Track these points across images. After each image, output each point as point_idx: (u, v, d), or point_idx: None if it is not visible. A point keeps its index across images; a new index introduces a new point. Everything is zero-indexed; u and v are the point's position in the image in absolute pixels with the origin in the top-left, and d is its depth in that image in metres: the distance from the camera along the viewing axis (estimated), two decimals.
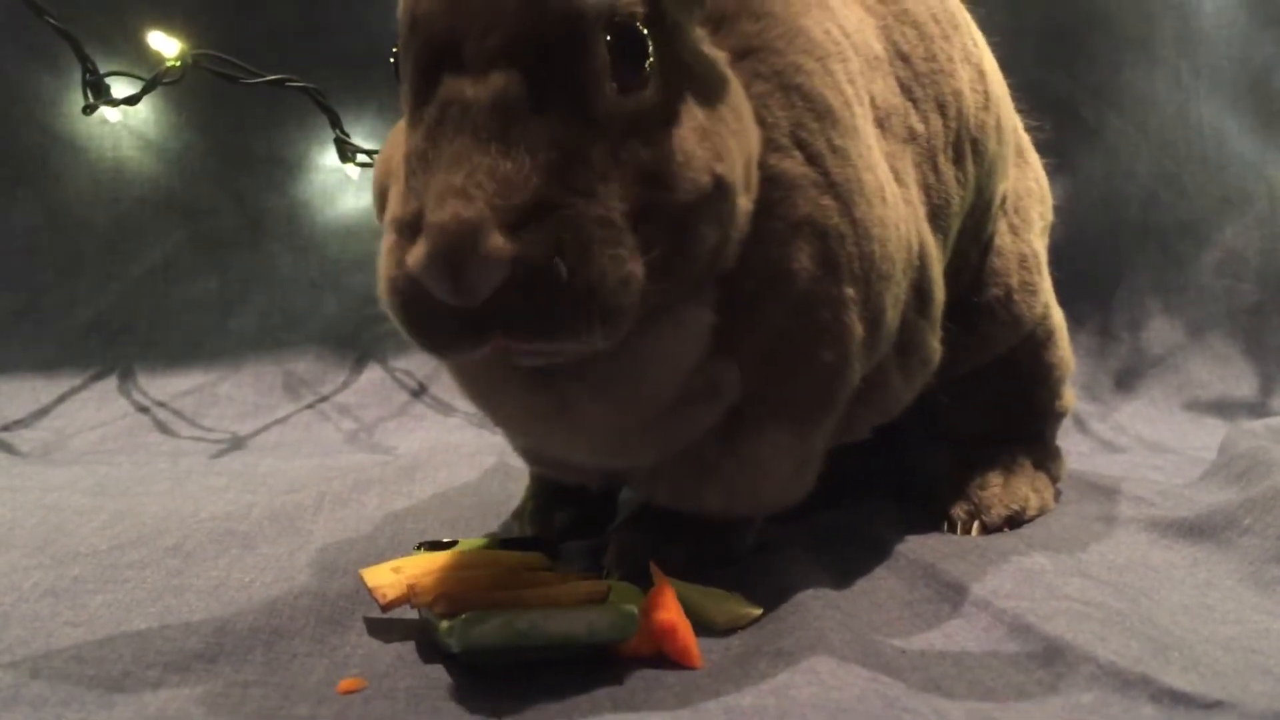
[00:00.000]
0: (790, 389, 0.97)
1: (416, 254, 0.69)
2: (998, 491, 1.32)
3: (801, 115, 0.93)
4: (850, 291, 0.96)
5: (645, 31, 0.78)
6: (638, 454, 0.96)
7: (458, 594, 0.83)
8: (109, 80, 2.13)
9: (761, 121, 0.91)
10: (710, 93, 0.85)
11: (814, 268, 0.93)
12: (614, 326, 0.76)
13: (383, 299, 0.76)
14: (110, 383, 2.15)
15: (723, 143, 0.82)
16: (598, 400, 0.87)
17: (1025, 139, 1.45)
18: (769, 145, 0.91)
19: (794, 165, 0.92)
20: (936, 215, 1.13)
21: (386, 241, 0.76)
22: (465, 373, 0.95)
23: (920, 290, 1.09)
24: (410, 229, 0.72)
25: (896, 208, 1.02)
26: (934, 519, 1.30)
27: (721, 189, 0.81)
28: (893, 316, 1.03)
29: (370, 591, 0.90)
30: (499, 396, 0.93)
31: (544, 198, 0.71)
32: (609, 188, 0.75)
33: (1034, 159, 1.46)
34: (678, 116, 0.80)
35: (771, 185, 0.91)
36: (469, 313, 0.70)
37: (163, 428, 2.02)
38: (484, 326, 0.71)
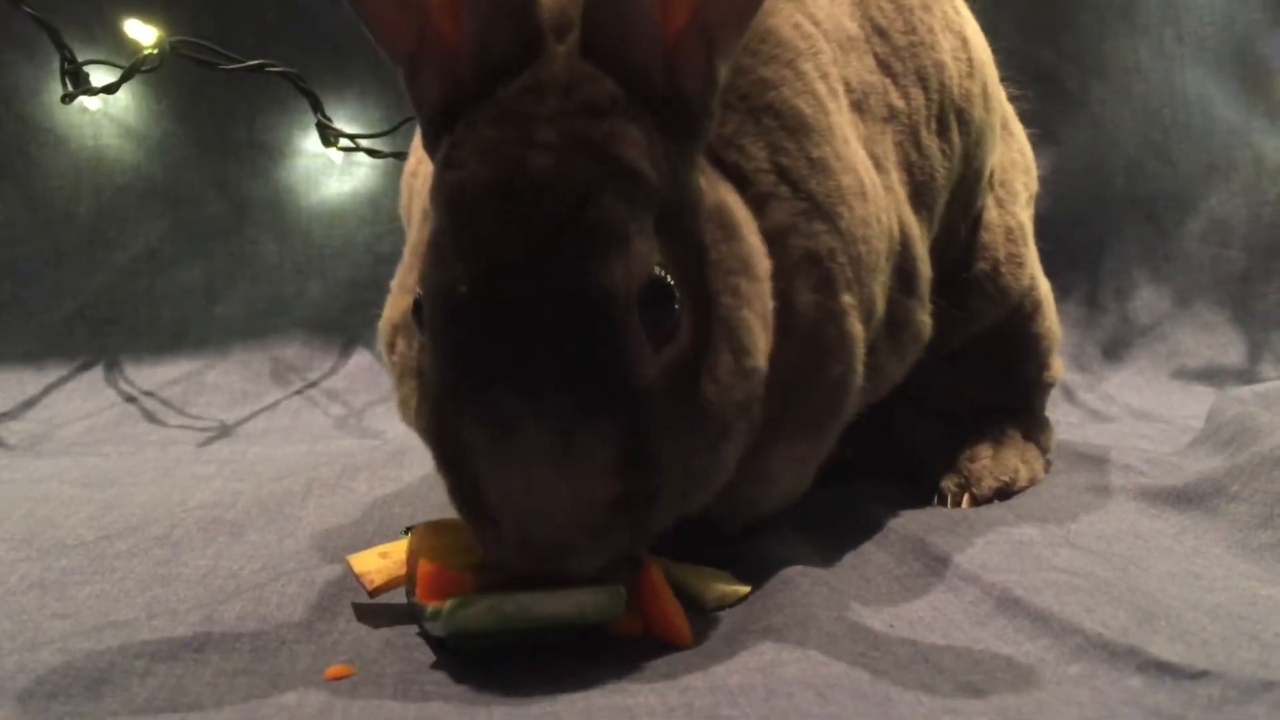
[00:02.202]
0: (801, 404, 0.97)
1: (507, 542, 0.75)
2: (987, 463, 1.32)
3: (776, 137, 0.94)
4: (848, 299, 0.97)
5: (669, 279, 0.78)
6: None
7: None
8: (88, 69, 2.12)
9: (741, 168, 0.92)
10: (724, 272, 0.84)
11: (814, 294, 0.94)
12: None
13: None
14: (97, 373, 2.14)
15: (751, 338, 0.84)
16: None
17: (1009, 110, 1.44)
18: (756, 198, 0.92)
19: (783, 207, 0.93)
20: (920, 192, 1.12)
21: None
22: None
23: (904, 271, 1.09)
24: (490, 522, 0.76)
25: (876, 199, 1.02)
26: (923, 492, 1.30)
27: (754, 380, 0.84)
28: (881, 303, 1.04)
29: (357, 578, 0.90)
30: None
31: (618, 493, 0.75)
32: (663, 449, 0.78)
33: (1018, 130, 1.45)
34: (709, 347, 0.81)
35: (769, 231, 0.91)
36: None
37: (150, 417, 2.01)
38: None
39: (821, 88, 0.98)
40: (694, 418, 0.80)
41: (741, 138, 0.93)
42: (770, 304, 0.88)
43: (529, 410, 0.72)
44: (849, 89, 1.04)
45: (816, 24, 1.01)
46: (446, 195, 0.76)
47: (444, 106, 0.80)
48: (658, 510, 0.79)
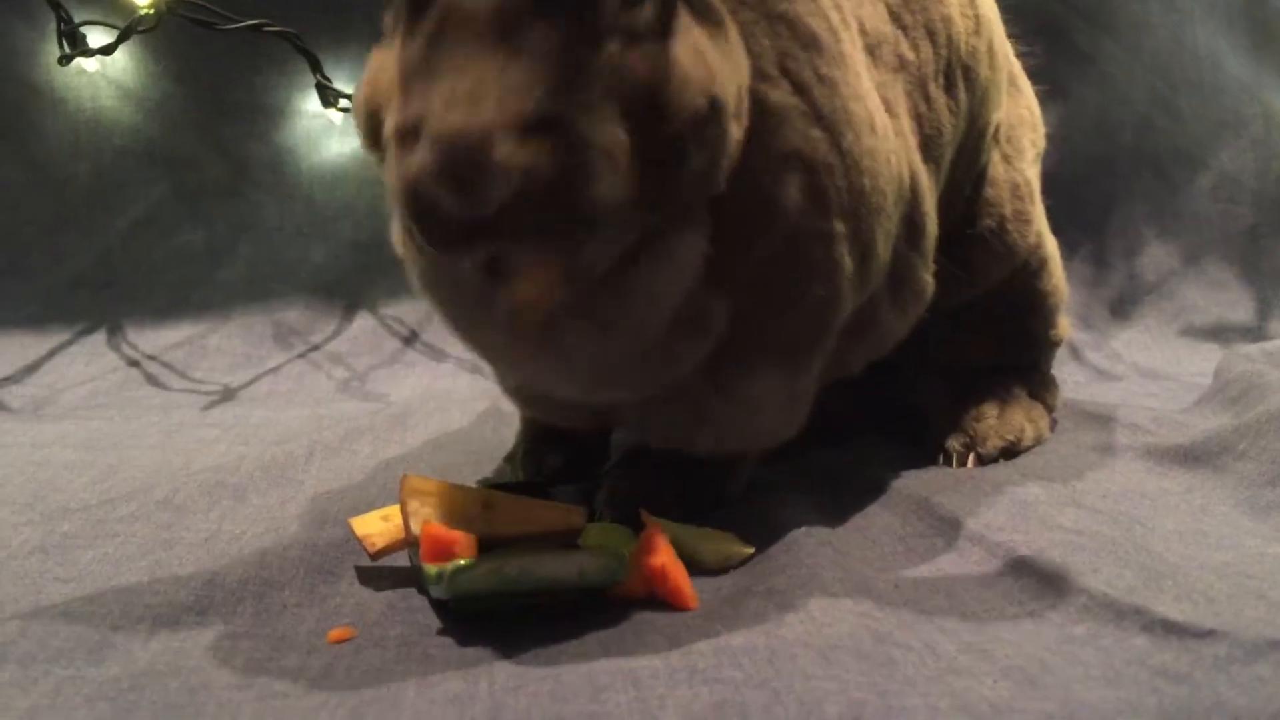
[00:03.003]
0: (780, 325, 0.96)
1: (420, 162, 0.68)
2: (993, 423, 1.31)
3: (787, 44, 0.91)
4: (840, 226, 0.94)
5: None
6: (625, 388, 0.93)
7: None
8: (84, 30, 2.10)
9: (748, 50, 0.88)
10: (703, 13, 0.82)
11: (803, 201, 0.91)
12: (609, 247, 0.76)
13: (391, 205, 0.75)
14: (99, 337, 2.14)
15: (717, 64, 0.80)
16: (587, 330, 0.84)
17: (1017, 66, 1.42)
18: (757, 74, 0.89)
19: (782, 95, 0.90)
20: (928, 145, 1.11)
21: (390, 152, 0.73)
22: (454, 306, 0.90)
23: (912, 222, 1.08)
24: (412, 135, 0.70)
25: (887, 139, 1.00)
26: (928, 453, 1.30)
27: (715, 111, 0.79)
28: (884, 250, 1.02)
29: (359, 540, 0.90)
30: (487, 329, 0.88)
31: (548, 110, 0.69)
32: (608, 105, 0.73)
33: (1026, 86, 1.44)
34: (674, 35, 0.78)
35: (760, 115, 0.88)
36: (457, 225, 0.69)
37: (153, 381, 2.01)
38: (489, 233, 0.70)
39: (835, 16, 0.96)
40: (642, 100, 0.75)
41: (753, 27, 0.90)
42: (744, 80, 0.85)
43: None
44: (863, 31, 1.03)
45: None
46: None
47: None
48: (590, 173, 0.71)
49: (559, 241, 0.72)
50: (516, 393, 1.13)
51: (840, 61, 0.95)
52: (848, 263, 0.96)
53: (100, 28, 2.11)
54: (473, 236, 0.70)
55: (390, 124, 0.74)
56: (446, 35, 0.70)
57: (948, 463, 1.27)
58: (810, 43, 0.92)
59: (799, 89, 0.91)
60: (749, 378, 0.96)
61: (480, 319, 0.86)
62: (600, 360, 0.87)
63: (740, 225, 0.89)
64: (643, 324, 0.86)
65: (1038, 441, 1.35)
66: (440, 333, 2.20)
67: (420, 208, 0.68)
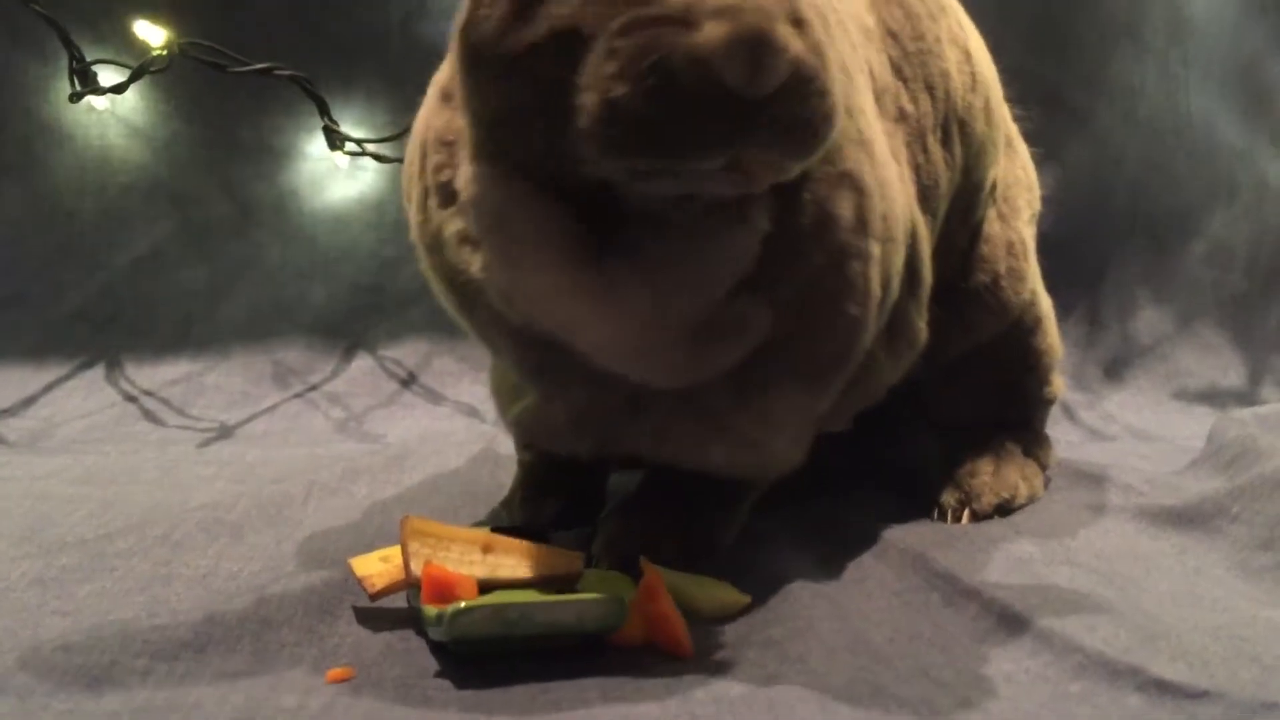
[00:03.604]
0: (811, 343, 0.97)
1: (711, 34, 0.68)
2: (988, 479, 1.32)
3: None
4: (875, 249, 0.97)
5: None
6: (660, 367, 0.91)
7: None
8: (96, 68, 2.12)
9: None
10: None
11: (852, 219, 0.94)
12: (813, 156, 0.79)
13: (612, 100, 0.72)
14: (98, 371, 2.14)
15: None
16: (645, 284, 0.85)
17: (1013, 128, 1.44)
18: None
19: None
20: (926, 196, 1.13)
21: (629, 39, 0.71)
22: (502, 247, 0.89)
23: (911, 269, 1.10)
24: (680, 20, 0.70)
25: (895, 182, 1.02)
26: (923, 507, 1.30)
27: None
28: (895, 285, 1.04)
29: (359, 580, 0.90)
30: (540, 272, 0.88)
31: (801, 11, 0.72)
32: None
33: (1022, 148, 1.46)
34: None
35: None
36: (730, 110, 0.70)
37: (150, 417, 2.01)
38: (742, 125, 0.71)
39: (857, 55, 0.99)
40: None
41: None
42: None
43: None
44: (872, 76, 1.05)
45: (836, 9, 1.01)
46: None
47: None
48: (830, 77, 0.75)
49: (807, 137, 0.74)
50: (518, 424, 1.13)
51: (864, 93, 0.98)
52: (877, 288, 0.97)
53: (111, 66, 2.14)
54: (719, 133, 0.71)
55: (633, 15, 0.72)
56: None
57: (942, 518, 1.28)
58: (844, 70, 0.94)
59: (848, 112, 0.93)
60: (773, 393, 0.97)
61: (534, 263, 0.86)
62: (651, 319, 0.86)
63: (795, 235, 0.90)
64: (701, 289, 0.86)
65: (1032, 499, 1.36)
66: (438, 375, 2.21)
67: (708, 83, 0.69)
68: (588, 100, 0.73)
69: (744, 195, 0.83)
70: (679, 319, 0.87)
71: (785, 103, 0.70)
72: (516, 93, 0.80)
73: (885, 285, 1.00)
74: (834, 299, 0.95)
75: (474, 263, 0.93)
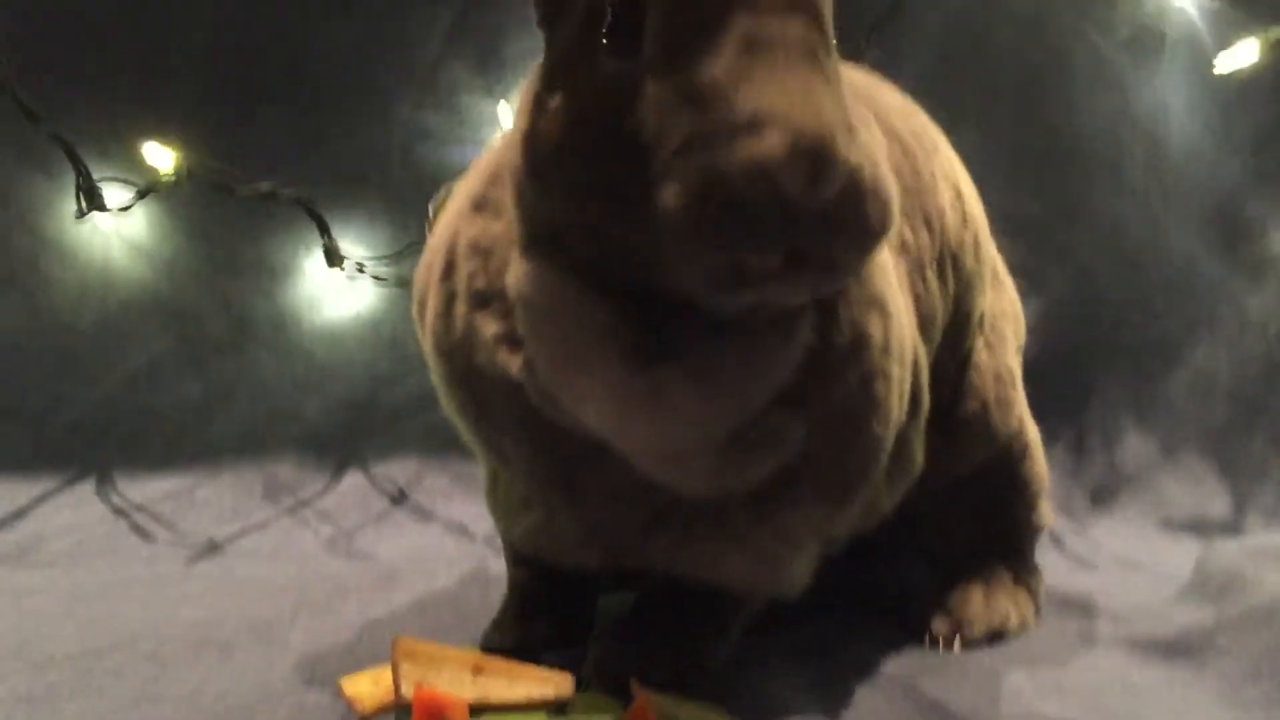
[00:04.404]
0: (837, 460, 0.98)
1: (773, 144, 0.70)
2: (978, 607, 1.32)
3: None
4: (898, 371, 1.00)
5: None
6: (693, 477, 0.92)
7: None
8: (102, 186, 2.17)
9: None
10: None
11: (882, 341, 0.97)
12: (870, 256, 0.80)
13: (682, 205, 0.74)
14: (88, 485, 2.14)
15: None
16: (694, 390, 0.85)
17: (999, 261, 1.49)
18: None
19: None
20: (924, 326, 1.16)
21: (694, 158, 0.73)
22: (554, 343, 0.90)
23: (914, 395, 1.11)
24: (745, 130, 0.72)
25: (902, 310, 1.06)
26: (914, 633, 1.30)
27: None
28: (901, 410, 1.06)
29: (348, 701, 0.90)
30: (591, 370, 0.88)
31: (852, 125, 0.75)
32: None
33: (1007, 281, 1.50)
34: None
35: None
36: (789, 213, 0.71)
37: (139, 531, 2.00)
38: (801, 225, 0.72)
39: None
40: None
41: None
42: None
43: (779, 22, 0.74)
44: None
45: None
46: None
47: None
48: (882, 189, 0.77)
49: (863, 238, 0.76)
50: (525, 537, 1.13)
51: None
52: (895, 412, 1.00)
53: (118, 184, 2.18)
54: (801, 224, 0.72)
55: (692, 128, 0.74)
56: (760, 51, 0.74)
57: (934, 645, 1.28)
58: None
59: None
60: (794, 509, 0.98)
61: (586, 363, 0.88)
62: (697, 425, 0.87)
63: (834, 353, 0.93)
64: (747, 399, 0.88)
65: (1022, 627, 1.36)
66: (429, 492, 2.22)
67: (766, 190, 0.70)
68: (664, 198, 0.75)
69: (795, 308, 0.86)
70: (723, 427, 0.88)
71: (843, 207, 0.73)
72: (582, 198, 0.83)
73: (899, 408, 1.03)
74: (862, 418, 0.97)
75: (512, 363, 0.94)
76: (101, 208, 2.15)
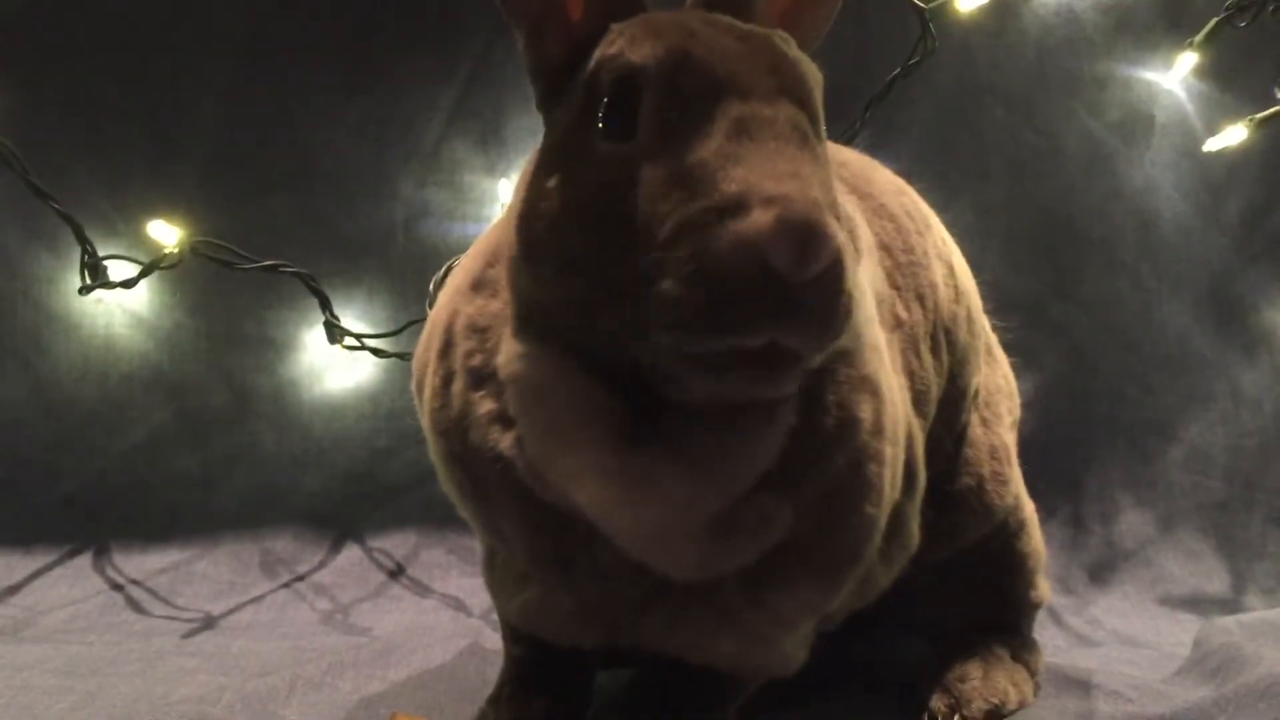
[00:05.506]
0: (828, 542, 0.98)
1: (760, 221, 0.72)
2: (977, 684, 1.32)
3: None
4: (889, 450, 1.00)
5: None
6: (680, 559, 0.92)
7: None
8: (107, 263, 2.19)
9: None
10: None
11: (872, 422, 0.97)
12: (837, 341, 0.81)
13: (675, 293, 0.75)
14: (85, 559, 2.13)
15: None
16: (680, 473, 0.86)
17: (993, 338, 1.50)
18: None
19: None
20: (919, 401, 1.17)
21: (685, 242, 0.75)
22: (542, 422, 0.91)
23: (909, 471, 1.12)
24: (734, 209, 0.74)
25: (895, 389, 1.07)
26: (912, 712, 1.29)
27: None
28: (895, 488, 1.06)
29: None
30: (578, 449, 0.89)
31: (833, 206, 0.78)
32: None
33: (1001, 357, 1.52)
34: None
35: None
36: (774, 292, 0.72)
37: (135, 606, 2.00)
38: (785, 306, 0.73)
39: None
40: None
41: None
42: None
43: (768, 107, 0.80)
44: (872, 285, 1.11)
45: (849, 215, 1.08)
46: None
47: (565, 62, 0.90)
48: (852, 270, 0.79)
49: (837, 321, 0.77)
50: (521, 614, 1.13)
51: (872, 301, 1.03)
52: (890, 489, 1.00)
53: (122, 260, 2.20)
54: (788, 304, 0.73)
55: (688, 211, 0.76)
56: (749, 134, 0.78)
57: None
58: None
59: (867, 318, 0.99)
60: (786, 590, 0.98)
61: (576, 446, 0.88)
62: (683, 508, 0.88)
63: (819, 437, 0.93)
64: (732, 482, 0.88)
65: (1021, 705, 1.35)
66: (426, 567, 2.21)
67: (755, 267, 0.72)
68: (659, 288, 0.76)
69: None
70: (708, 510, 0.88)
71: (824, 287, 0.74)
72: (576, 282, 0.85)
73: (893, 484, 1.04)
74: (853, 499, 0.98)
75: (504, 441, 0.95)
76: (107, 284, 2.17)
